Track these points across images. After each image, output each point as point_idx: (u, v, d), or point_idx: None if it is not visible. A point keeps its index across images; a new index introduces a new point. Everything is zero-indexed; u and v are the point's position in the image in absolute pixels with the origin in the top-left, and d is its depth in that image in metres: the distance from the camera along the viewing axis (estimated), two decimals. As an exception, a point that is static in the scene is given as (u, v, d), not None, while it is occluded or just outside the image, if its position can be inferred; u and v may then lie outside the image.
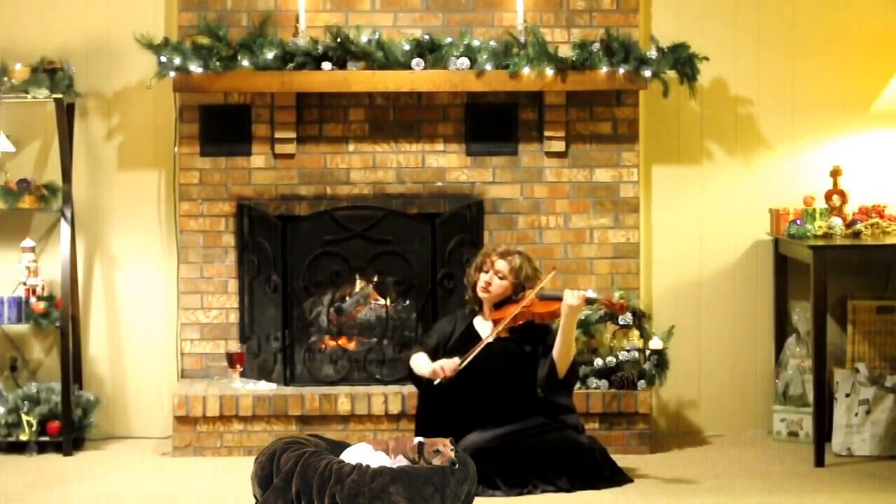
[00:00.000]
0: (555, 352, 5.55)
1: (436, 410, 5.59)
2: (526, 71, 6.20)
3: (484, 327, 5.71)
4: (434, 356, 5.64)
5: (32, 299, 6.24)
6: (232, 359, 6.29)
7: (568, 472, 5.51)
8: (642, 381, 6.16)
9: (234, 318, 6.45)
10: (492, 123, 6.44)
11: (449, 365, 5.51)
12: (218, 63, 6.15)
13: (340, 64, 6.21)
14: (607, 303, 5.82)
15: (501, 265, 5.68)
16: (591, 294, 5.69)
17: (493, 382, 5.56)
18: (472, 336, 5.68)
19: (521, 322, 5.61)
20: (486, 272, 5.69)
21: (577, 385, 5.88)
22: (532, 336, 5.64)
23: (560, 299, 5.55)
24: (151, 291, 6.53)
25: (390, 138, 6.45)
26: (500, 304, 5.69)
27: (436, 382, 5.51)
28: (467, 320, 5.78)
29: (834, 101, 6.57)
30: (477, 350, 5.52)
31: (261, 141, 6.41)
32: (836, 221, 6.21)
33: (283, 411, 6.11)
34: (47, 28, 6.42)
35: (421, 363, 5.62)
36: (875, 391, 6.15)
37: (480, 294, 5.70)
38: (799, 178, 6.56)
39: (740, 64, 6.56)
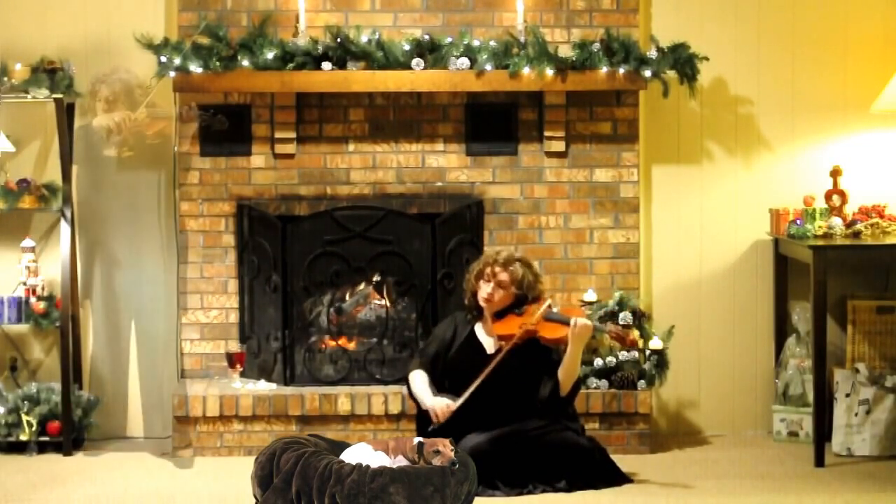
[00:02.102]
0: (560, 373, 5.53)
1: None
2: (526, 71, 6.20)
3: (486, 338, 5.68)
4: (435, 366, 5.65)
5: (32, 299, 6.23)
6: (232, 359, 6.29)
7: (568, 472, 5.50)
8: (642, 381, 6.16)
9: (234, 318, 6.45)
10: (492, 123, 6.44)
11: (443, 411, 5.45)
12: (218, 63, 6.14)
13: (340, 64, 6.21)
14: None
15: (503, 276, 5.64)
16: (591, 297, 5.65)
17: (495, 392, 5.52)
18: (475, 347, 5.65)
19: (524, 340, 5.58)
20: (488, 282, 5.65)
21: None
22: (534, 352, 5.59)
23: (566, 323, 5.51)
24: (151, 291, 6.53)
25: (390, 138, 6.45)
26: (501, 314, 5.67)
27: (430, 429, 5.45)
28: (468, 327, 5.74)
29: (834, 101, 6.56)
30: (473, 388, 5.46)
31: (261, 141, 6.41)
32: (836, 221, 6.21)
33: (283, 411, 6.11)
34: (47, 28, 6.42)
35: (418, 387, 5.60)
36: (875, 391, 6.15)
37: (482, 304, 5.67)
38: (799, 178, 6.55)
39: (740, 64, 6.56)
